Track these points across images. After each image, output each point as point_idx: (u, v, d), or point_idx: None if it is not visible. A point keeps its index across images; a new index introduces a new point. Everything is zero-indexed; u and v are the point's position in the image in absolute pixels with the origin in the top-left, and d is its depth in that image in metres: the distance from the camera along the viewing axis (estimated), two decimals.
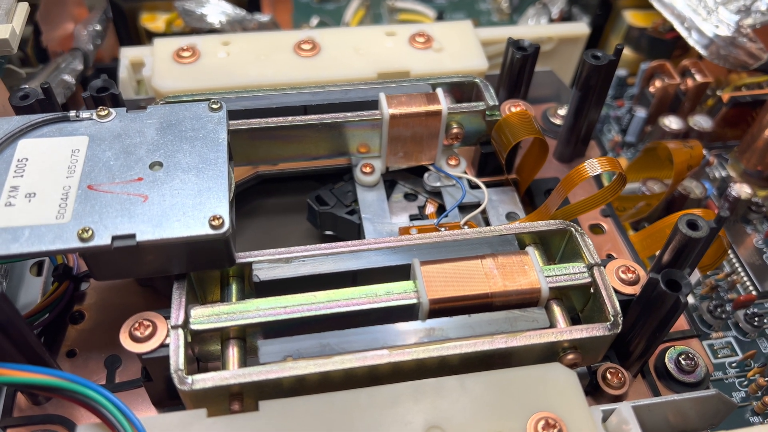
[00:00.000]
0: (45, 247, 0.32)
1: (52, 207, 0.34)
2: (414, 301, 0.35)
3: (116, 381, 0.39)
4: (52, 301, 0.40)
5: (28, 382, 0.30)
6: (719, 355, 0.48)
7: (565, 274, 0.37)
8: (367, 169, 0.47)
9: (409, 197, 0.48)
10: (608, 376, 0.39)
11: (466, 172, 0.48)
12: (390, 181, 0.49)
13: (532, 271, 0.36)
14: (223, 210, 0.34)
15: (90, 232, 0.33)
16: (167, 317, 0.34)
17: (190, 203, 0.34)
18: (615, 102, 0.65)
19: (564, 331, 0.35)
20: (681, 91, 0.60)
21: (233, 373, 0.33)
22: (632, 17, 0.66)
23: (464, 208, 0.47)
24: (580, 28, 0.61)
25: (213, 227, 0.34)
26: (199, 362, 0.37)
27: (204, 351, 0.36)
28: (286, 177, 0.51)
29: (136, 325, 0.34)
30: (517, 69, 0.47)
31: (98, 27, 0.60)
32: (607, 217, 0.48)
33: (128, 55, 0.54)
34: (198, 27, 0.60)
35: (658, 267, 0.39)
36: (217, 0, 0.60)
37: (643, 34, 0.65)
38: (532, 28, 0.63)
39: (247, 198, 0.51)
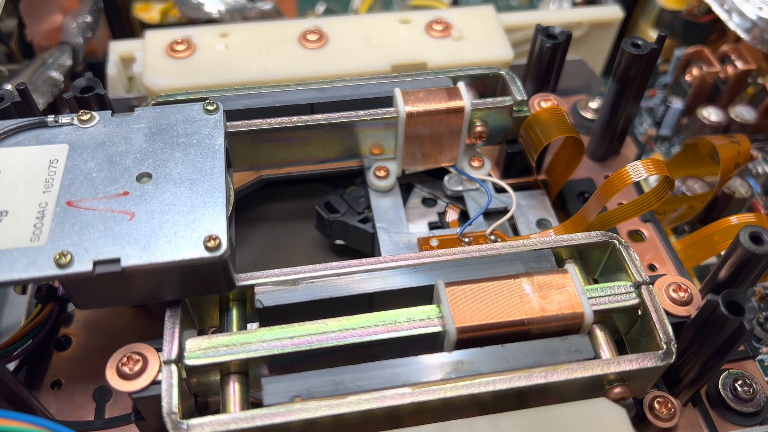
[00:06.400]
0: (17, 275, 0.28)
1: (26, 227, 0.30)
2: (439, 328, 0.31)
3: (106, 416, 0.35)
4: (34, 326, 0.37)
5: None
6: None
7: (610, 295, 0.33)
8: (381, 173, 0.42)
9: (428, 202, 0.44)
10: (656, 406, 0.34)
11: (490, 174, 0.43)
12: (406, 184, 0.44)
13: (574, 293, 0.32)
14: (220, 229, 0.30)
15: (69, 257, 0.29)
16: (159, 349, 0.30)
17: (183, 221, 0.30)
18: (646, 92, 0.60)
19: (611, 363, 0.31)
20: (720, 79, 0.55)
21: (234, 417, 0.29)
22: None
23: (489, 215, 0.42)
24: (613, 11, 0.56)
25: (208, 249, 0.29)
26: (197, 397, 0.33)
27: (202, 385, 0.32)
28: (293, 180, 0.46)
29: (124, 359, 0.30)
30: (547, 59, 0.43)
31: (88, 18, 0.56)
32: (647, 223, 0.44)
33: (117, 49, 0.50)
34: (195, 17, 0.55)
35: (714, 285, 0.35)
36: None
37: (677, 18, 0.60)
38: (559, 13, 0.58)
39: (249, 204, 0.46)
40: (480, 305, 0.31)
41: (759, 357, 0.44)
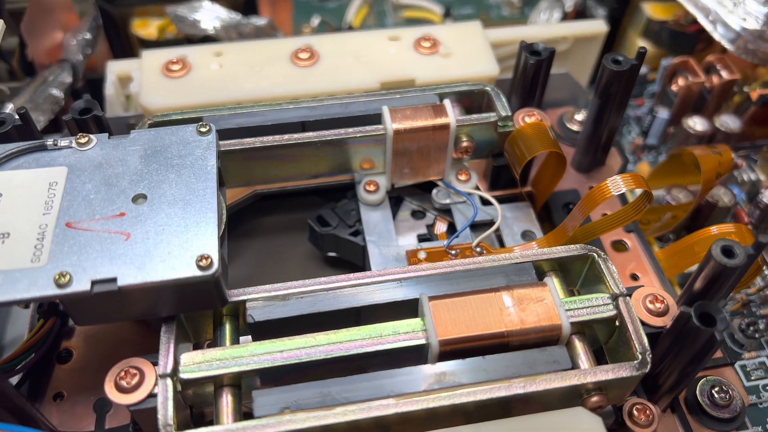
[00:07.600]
0: (18, 296, 0.30)
1: (28, 249, 0.31)
2: (422, 341, 0.33)
3: (106, 427, 0.36)
4: (37, 340, 0.38)
5: None
6: (752, 377, 0.45)
7: (588, 307, 0.34)
8: (371, 187, 0.44)
9: (417, 215, 0.45)
10: (635, 413, 0.36)
11: (477, 187, 0.45)
12: (396, 197, 0.46)
13: (552, 306, 0.33)
14: (212, 248, 0.31)
15: (68, 277, 0.30)
16: (155, 363, 0.32)
17: (176, 241, 0.32)
18: (634, 101, 0.61)
19: (587, 373, 0.32)
20: (706, 89, 0.56)
21: (226, 428, 0.30)
22: (652, 9, 0.62)
23: (477, 227, 0.44)
24: (598, 26, 0.57)
25: (201, 268, 0.31)
26: (192, 408, 0.34)
27: (197, 396, 0.33)
28: (287, 194, 0.48)
29: (122, 373, 0.31)
30: (531, 75, 0.44)
31: (88, 35, 0.57)
32: (631, 233, 0.45)
33: (115, 69, 0.51)
34: (191, 33, 0.57)
35: (690, 296, 0.36)
36: (211, 4, 0.57)
37: (664, 28, 0.61)
38: (545, 27, 0.59)
39: (244, 217, 0.48)
40: (462, 318, 0.33)
41: (741, 362, 0.46)
